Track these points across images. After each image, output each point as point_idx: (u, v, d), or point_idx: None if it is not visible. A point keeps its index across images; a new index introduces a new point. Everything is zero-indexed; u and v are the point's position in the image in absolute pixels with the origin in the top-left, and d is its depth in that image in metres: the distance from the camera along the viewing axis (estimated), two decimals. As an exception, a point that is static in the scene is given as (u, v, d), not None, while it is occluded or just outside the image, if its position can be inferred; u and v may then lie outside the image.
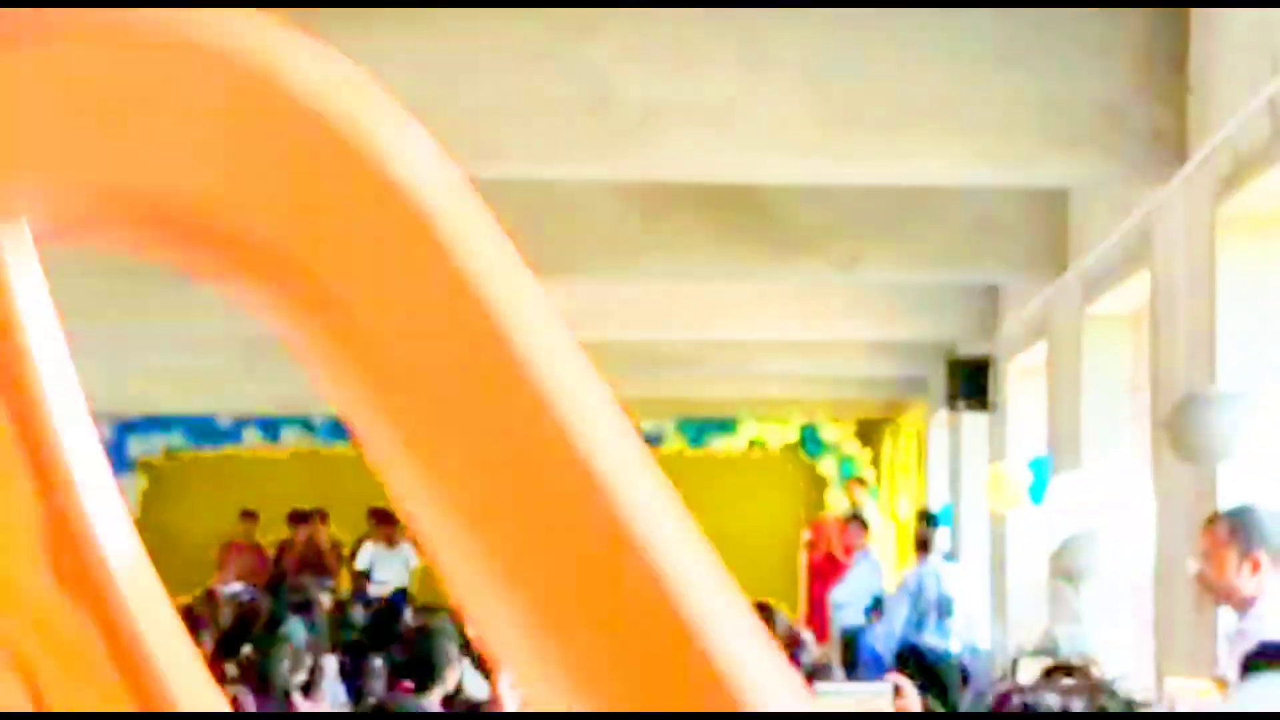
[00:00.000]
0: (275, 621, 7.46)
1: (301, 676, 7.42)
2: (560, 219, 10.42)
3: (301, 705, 7.07)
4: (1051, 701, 2.66)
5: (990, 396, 13.39)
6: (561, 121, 7.52)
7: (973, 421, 14.31)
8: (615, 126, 7.52)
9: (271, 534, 20.27)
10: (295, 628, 7.33)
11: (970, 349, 13.96)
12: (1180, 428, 7.10)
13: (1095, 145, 7.79)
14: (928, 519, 14.53)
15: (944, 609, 13.09)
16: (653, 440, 22.24)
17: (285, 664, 7.12)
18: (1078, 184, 9.66)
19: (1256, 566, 6.03)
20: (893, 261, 10.79)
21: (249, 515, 20.02)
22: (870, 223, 10.48)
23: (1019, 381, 12.85)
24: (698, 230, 10.50)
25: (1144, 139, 7.81)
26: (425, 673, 7.17)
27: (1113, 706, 2.59)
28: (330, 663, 8.93)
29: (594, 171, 8.54)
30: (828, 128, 7.53)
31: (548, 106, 7.42)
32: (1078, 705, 2.62)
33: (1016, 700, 2.63)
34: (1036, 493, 11.38)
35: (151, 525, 22.61)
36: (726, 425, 22.05)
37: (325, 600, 14.64)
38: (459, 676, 7.64)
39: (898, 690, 4.16)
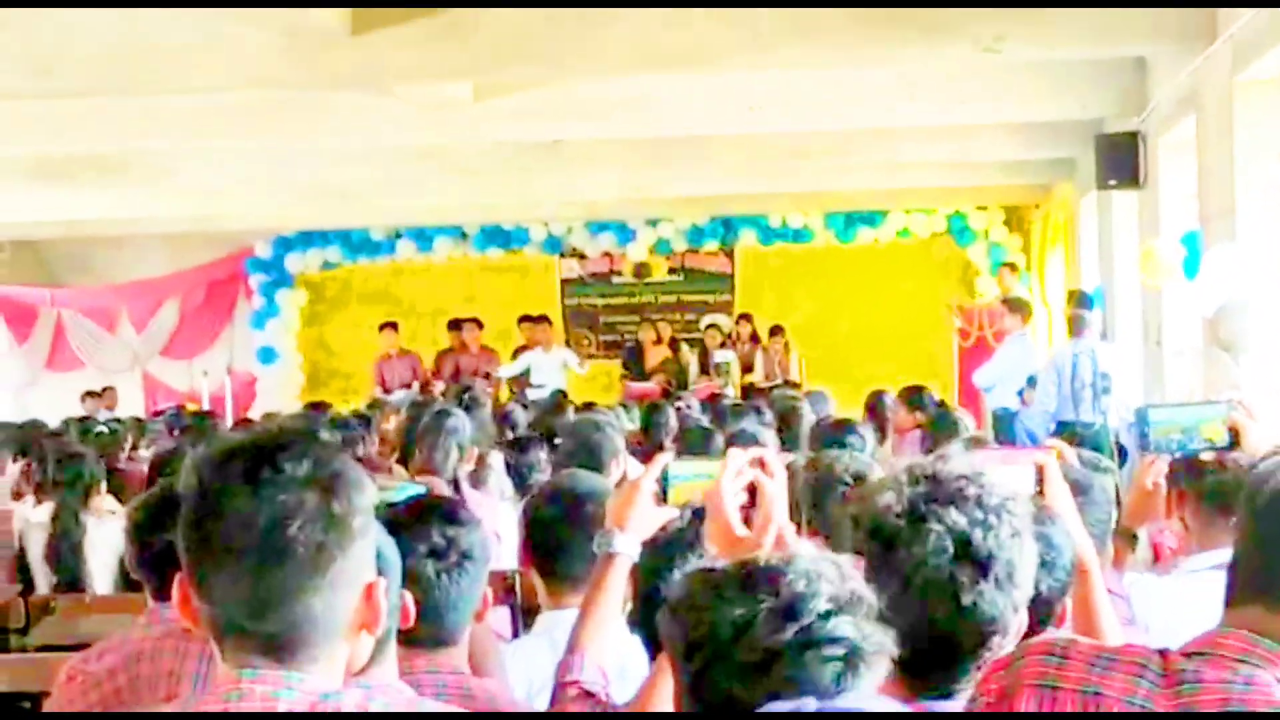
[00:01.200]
0: (441, 414, 7.62)
1: (469, 467, 7.60)
2: (701, 11, 10.40)
3: (470, 494, 7.26)
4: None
5: (1140, 173, 13.24)
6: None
7: (1123, 200, 14.18)
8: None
9: (427, 342, 20.60)
10: (460, 419, 7.50)
11: (1119, 126, 13.79)
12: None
13: (1243, -96, 7.65)
14: (1080, 299, 14.45)
15: (1099, 388, 13.05)
16: (802, 236, 22.24)
17: (453, 454, 7.30)
18: (1226, -54, 9.48)
19: None
20: (1037, 38, 10.63)
21: (389, 326, 20.23)
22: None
23: (1169, 157, 12.69)
24: (837, 15, 10.42)
25: (1294, -105, 7.66)
26: (590, 462, 7.27)
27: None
28: (496, 458, 9.13)
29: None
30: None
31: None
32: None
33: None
34: (1190, 267, 11.29)
35: (314, 339, 23.16)
36: (874, 217, 21.95)
37: (487, 402, 14.91)
38: (624, 469, 7.75)
39: (1058, 453, 4.06)
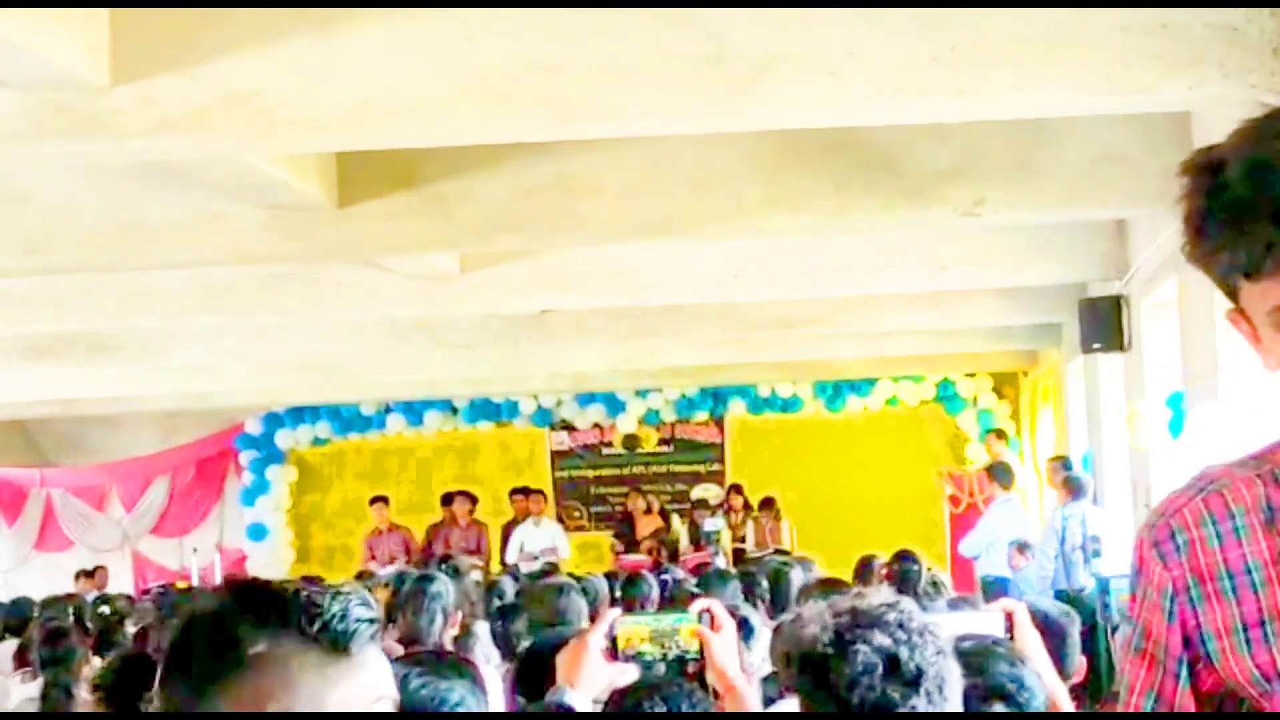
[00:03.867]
0: (425, 579, 7.60)
1: (452, 632, 7.56)
2: (681, 181, 10.51)
3: (456, 661, 7.20)
4: None
5: (1124, 336, 13.32)
6: (678, 77, 7.59)
7: (1108, 363, 14.26)
8: (732, 79, 7.59)
9: (418, 518, 20.57)
10: (444, 583, 7.47)
11: (1102, 289, 13.90)
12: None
13: (1213, 66, 7.76)
14: (1063, 464, 14.53)
15: (1089, 551, 13.04)
16: (791, 406, 22.31)
17: (438, 619, 7.26)
18: (1198, 107, 9.59)
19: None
20: (1017, 202, 10.72)
21: (380, 500, 20.25)
22: (992, 164, 10.46)
23: (1152, 318, 12.77)
24: (818, 184, 10.53)
25: (1262, 56, 7.77)
26: (559, 626, 7.29)
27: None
28: (482, 627, 9.11)
29: (712, 126, 8.58)
30: (942, 66, 7.55)
31: (663, 63, 7.49)
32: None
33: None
34: (1175, 427, 11.34)
35: (303, 514, 23.12)
36: (862, 386, 22.06)
37: (477, 575, 14.87)
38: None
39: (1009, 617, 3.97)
